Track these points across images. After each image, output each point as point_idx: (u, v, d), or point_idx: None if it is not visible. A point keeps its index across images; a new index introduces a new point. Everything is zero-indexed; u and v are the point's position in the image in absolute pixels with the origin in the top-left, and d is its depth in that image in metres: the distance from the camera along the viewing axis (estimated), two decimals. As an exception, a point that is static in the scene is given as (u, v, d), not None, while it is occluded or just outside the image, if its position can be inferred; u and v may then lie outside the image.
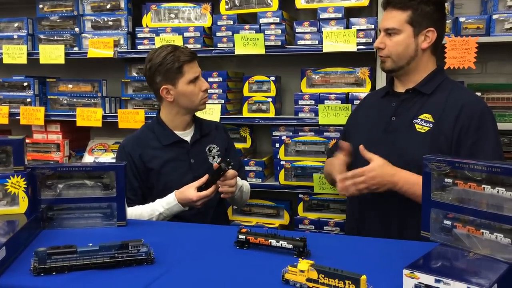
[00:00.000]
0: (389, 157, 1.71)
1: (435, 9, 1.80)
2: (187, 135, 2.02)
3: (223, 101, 2.76)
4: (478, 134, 1.70)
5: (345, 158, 1.87)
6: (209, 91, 2.72)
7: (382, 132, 1.82)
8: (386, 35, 1.81)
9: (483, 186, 1.16)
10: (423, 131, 1.74)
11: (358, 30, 2.49)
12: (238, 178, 1.94)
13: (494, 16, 2.38)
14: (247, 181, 2.17)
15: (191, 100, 1.96)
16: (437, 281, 0.97)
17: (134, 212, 1.84)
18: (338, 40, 2.51)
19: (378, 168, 1.67)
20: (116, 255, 1.20)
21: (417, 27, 1.78)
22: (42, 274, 1.15)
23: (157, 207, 1.86)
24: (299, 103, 2.64)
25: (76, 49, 3.02)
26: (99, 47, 2.90)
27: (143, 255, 1.22)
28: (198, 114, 2.14)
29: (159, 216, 1.85)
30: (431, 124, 1.74)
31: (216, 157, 2.03)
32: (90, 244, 1.21)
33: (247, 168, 2.68)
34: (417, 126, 1.76)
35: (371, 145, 1.76)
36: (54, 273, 1.16)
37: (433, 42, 1.80)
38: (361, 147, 1.74)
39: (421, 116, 1.77)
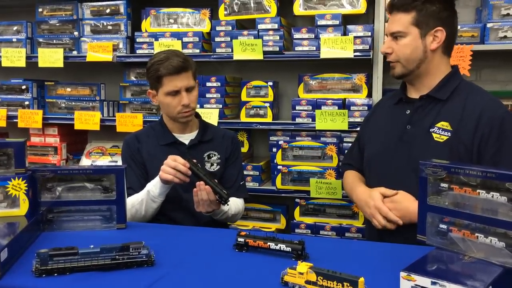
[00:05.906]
0: (405, 168, 1.66)
1: (442, 8, 1.70)
2: (186, 138, 2.03)
3: (221, 106, 2.78)
4: (500, 143, 1.61)
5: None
6: (207, 95, 2.79)
7: (397, 142, 1.73)
8: (393, 39, 1.74)
9: (478, 191, 1.18)
10: (441, 140, 1.65)
11: (355, 37, 2.52)
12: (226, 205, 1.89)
13: (489, 25, 2.42)
14: (243, 200, 2.08)
15: (168, 111, 1.98)
16: (433, 283, 0.99)
17: (132, 199, 1.87)
18: (335, 46, 2.53)
19: (405, 201, 1.62)
20: (117, 257, 1.22)
21: (423, 28, 1.69)
22: (43, 275, 1.17)
23: (147, 187, 1.88)
24: (296, 108, 2.66)
25: (75, 52, 3.03)
26: (98, 51, 2.91)
27: (144, 257, 1.24)
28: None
29: (148, 194, 1.85)
30: (449, 133, 1.65)
31: (215, 164, 2.03)
32: (92, 246, 1.22)
33: (244, 172, 2.67)
34: (434, 135, 1.66)
35: (386, 154, 1.72)
36: (55, 274, 1.17)
37: (443, 42, 1.70)
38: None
39: (438, 125, 1.67)
